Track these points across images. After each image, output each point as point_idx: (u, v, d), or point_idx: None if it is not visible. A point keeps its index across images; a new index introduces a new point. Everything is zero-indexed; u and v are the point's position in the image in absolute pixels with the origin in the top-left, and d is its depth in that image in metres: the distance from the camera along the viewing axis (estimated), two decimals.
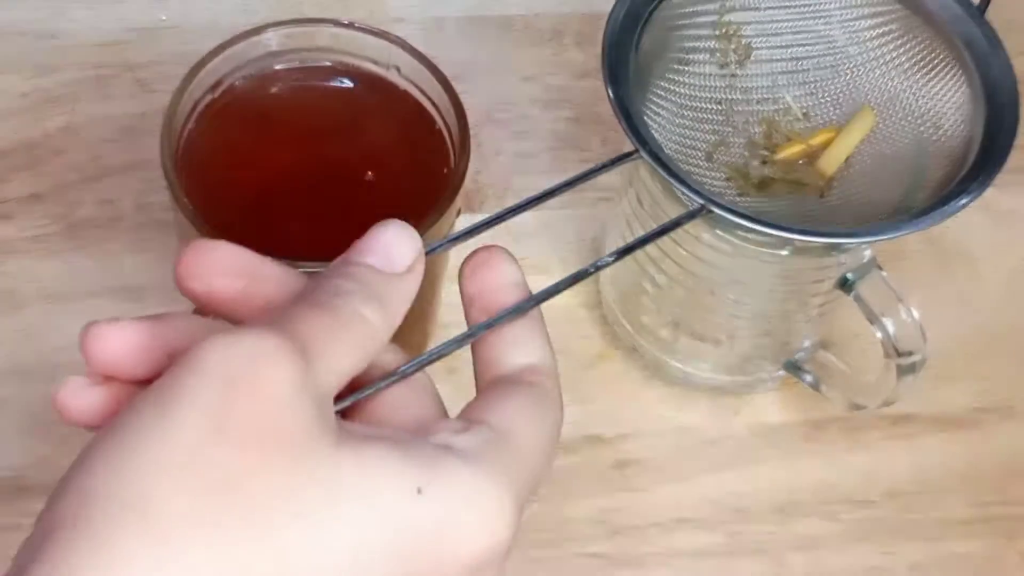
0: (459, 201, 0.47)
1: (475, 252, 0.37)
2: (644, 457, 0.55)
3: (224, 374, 0.29)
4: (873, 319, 0.48)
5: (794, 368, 0.55)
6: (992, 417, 0.57)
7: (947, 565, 0.54)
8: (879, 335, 0.48)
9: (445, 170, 0.48)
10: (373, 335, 0.32)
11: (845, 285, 0.49)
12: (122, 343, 0.32)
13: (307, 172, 0.49)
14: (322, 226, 0.48)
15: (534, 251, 0.59)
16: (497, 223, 0.38)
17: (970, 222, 0.61)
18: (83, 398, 0.32)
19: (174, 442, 0.28)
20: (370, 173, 0.49)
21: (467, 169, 0.47)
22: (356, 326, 0.32)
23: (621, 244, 0.54)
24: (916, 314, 0.48)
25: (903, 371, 0.49)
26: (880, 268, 0.48)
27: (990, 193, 0.45)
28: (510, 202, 0.59)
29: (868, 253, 0.48)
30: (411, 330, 0.52)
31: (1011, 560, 0.54)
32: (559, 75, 0.64)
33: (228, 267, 0.34)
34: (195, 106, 0.48)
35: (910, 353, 0.48)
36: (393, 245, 0.34)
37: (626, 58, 0.46)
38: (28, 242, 0.57)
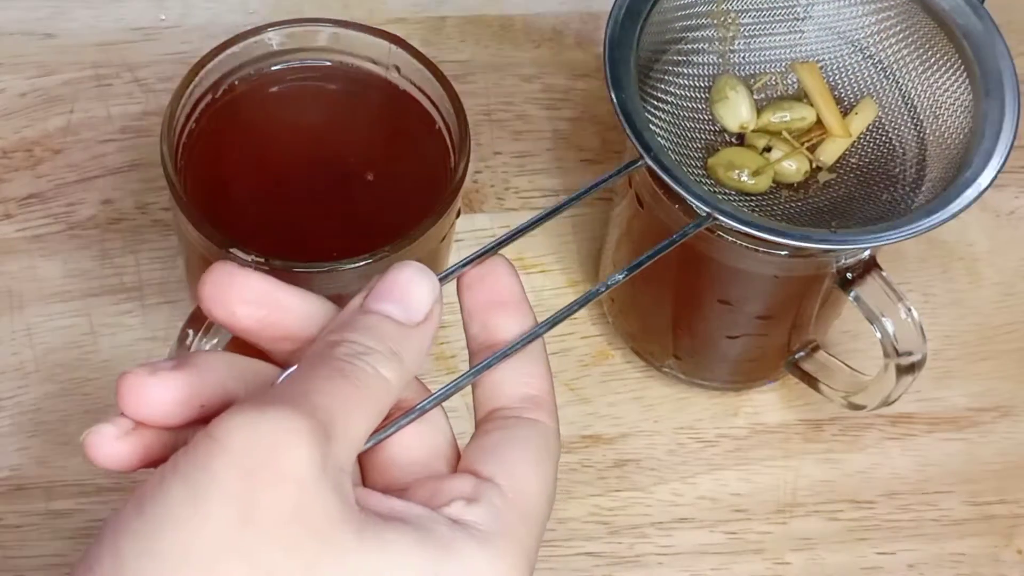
0: (459, 201, 0.47)
1: (475, 264, 0.37)
2: (644, 457, 0.55)
3: (249, 459, 0.29)
4: (872, 319, 0.48)
5: (794, 368, 0.55)
6: (990, 417, 0.57)
7: (945, 564, 0.54)
8: (878, 335, 0.48)
9: (445, 170, 0.48)
10: (391, 394, 0.33)
11: (844, 285, 0.49)
12: (158, 397, 0.32)
13: (307, 172, 0.49)
14: (322, 226, 0.49)
15: (533, 251, 0.59)
16: (507, 243, 0.38)
17: (970, 222, 0.61)
18: (115, 447, 0.32)
19: (202, 531, 0.29)
20: (370, 173, 0.49)
21: (467, 169, 0.47)
22: (376, 390, 0.32)
23: (619, 243, 0.54)
24: (915, 314, 0.48)
25: (902, 371, 0.49)
26: (880, 268, 0.48)
27: (990, 193, 0.45)
28: (510, 202, 0.60)
29: (867, 253, 0.48)
30: None
31: (1009, 559, 0.54)
32: (559, 75, 0.64)
33: (249, 296, 0.34)
34: (195, 106, 0.48)
35: (909, 353, 0.48)
36: (411, 290, 0.34)
37: (627, 57, 0.46)
38: (28, 242, 0.57)
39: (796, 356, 0.54)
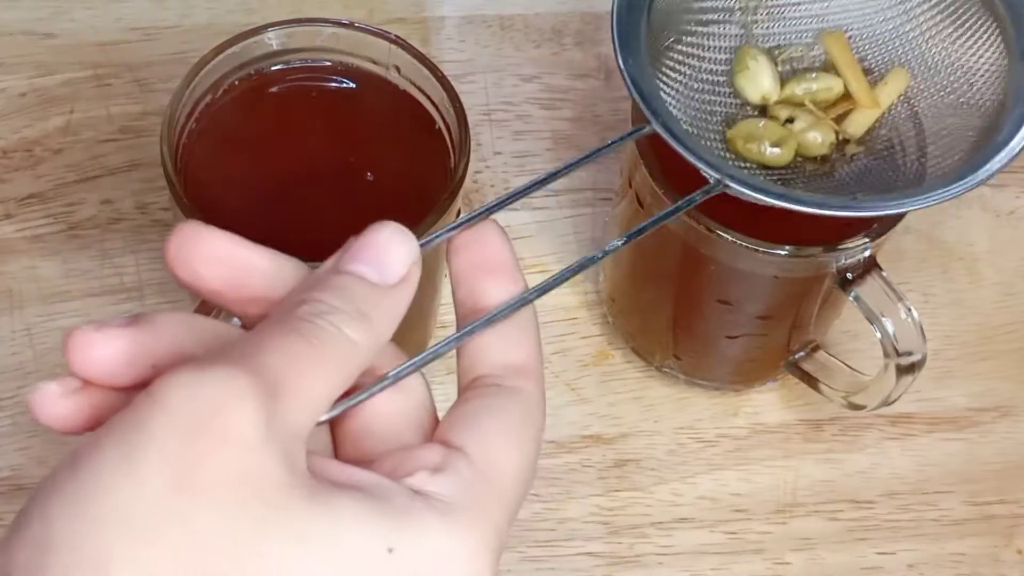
0: (459, 201, 0.47)
1: (465, 228, 0.35)
2: (644, 457, 0.55)
3: (189, 420, 0.27)
4: (872, 319, 0.48)
5: (794, 368, 0.55)
6: (990, 417, 0.57)
7: (945, 564, 0.54)
8: (878, 335, 0.48)
9: (445, 170, 0.48)
10: (357, 357, 0.31)
11: (844, 285, 0.49)
12: (107, 353, 0.30)
13: (307, 172, 0.49)
14: (322, 226, 0.48)
15: (533, 251, 0.59)
16: (500, 208, 0.36)
17: (970, 222, 0.61)
18: (59, 406, 0.31)
19: (137, 494, 0.27)
20: (370, 173, 0.49)
21: (467, 169, 0.47)
22: (338, 351, 0.30)
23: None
24: (915, 314, 0.48)
25: (902, 371, 0.49)
26: (880, 268, 0.48)
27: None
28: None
29: (867, 252, 0.48)
30: (411, 329, 0.52)
31: (1009, 559, 0.54)
32: (559, 75, 0.64)
33: (214, 255, 0.32)
34: (195, 106, 0.48)
35: (909, 353, 0.48)
36: (388, 251, 0.32)
37: (638, 23, 0.44)
38: (28, 242, 0.57)
39: (796, 356, 0.54)
